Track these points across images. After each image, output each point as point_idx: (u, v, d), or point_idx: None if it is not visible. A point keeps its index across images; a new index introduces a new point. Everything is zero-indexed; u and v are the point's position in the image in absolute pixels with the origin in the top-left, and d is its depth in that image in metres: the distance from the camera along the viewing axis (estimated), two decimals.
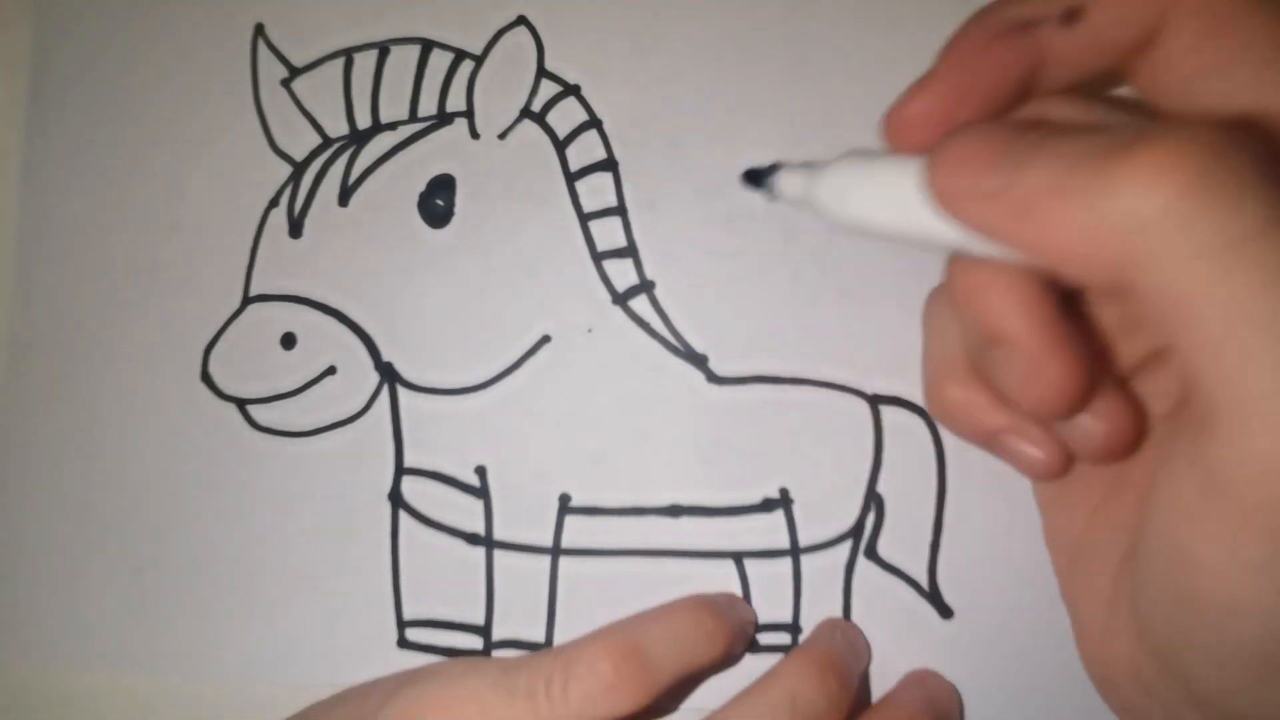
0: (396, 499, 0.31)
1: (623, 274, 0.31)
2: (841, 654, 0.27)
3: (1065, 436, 0.20)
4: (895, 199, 0.19)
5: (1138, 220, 0.14)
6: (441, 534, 0.31)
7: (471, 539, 0.30)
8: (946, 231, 0.18)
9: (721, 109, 0.31)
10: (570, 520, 0.30)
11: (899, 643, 0.29)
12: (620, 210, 0.31)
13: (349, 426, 0.31)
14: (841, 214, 0.20)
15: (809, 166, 0.22)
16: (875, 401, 0.30)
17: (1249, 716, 0.17)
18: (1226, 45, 0.15)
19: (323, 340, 0.31)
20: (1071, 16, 0.16)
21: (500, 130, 0.32)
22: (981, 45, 0.17)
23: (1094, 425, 0.19)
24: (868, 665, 0.29)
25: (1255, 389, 0.13)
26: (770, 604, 0.30)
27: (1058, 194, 0.15)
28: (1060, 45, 0.16)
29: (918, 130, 0.19)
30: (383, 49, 0.32)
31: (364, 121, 0.32)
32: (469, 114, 0.32)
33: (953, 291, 0.19)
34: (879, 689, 0.29)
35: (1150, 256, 0.14)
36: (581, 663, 0.24)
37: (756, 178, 0.24)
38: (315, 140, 0.32)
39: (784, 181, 0.23)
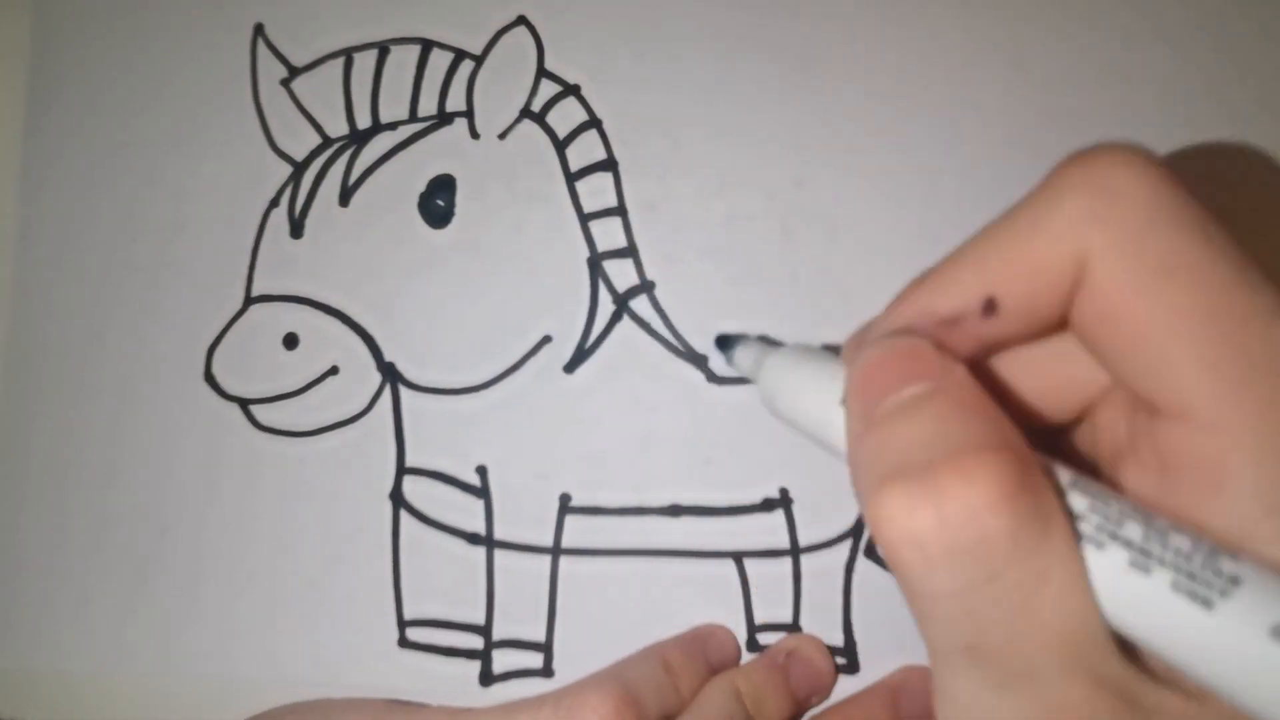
0: (398, 499, 0.31)
1: (623, 274, 0.31)
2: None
3: None
4: (814, 412, 0.20)
5: (1084, 249, 0.16)
6: (442, 534, 0.31)
7: (472, 539, 0.31)
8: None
9: (721, 109, 0.31)
10: (570, 520, 0.30)
11: (898, 642, 0.29)
12: (620, 210, 0.31)
13: (351, 426, 0.31)
14: (772, 407, 0.22)
15: (765, 347, 0.24)
16: None
17: None
18: (1137, 289, 0.16)
19: (325, 341, 0.32)
20: (990, 309, 0.17)
21: (500, 130, 0.32)
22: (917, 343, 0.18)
23: None
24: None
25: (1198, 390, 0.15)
26: (770, 603, 0.30)
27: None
28: (989, 330, 0.18)
29: None
30: (382, 49, 0.32)
31: (364, 121, 0.32)
32: (469, 114, 0.32)
33: None
34: None
35: (1095, 283, 0.16)
36: (587, 709, 0.25)
37: (724, 343, 0.27)
38: (315, 140, 0.32)
39: (739, 355, 0.25)
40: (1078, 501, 0.16)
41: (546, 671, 0.30)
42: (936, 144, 0.30)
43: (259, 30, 0.33)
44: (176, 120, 0.33)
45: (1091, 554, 0.15)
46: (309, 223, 0.32)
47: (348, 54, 0.32)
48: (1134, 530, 0.15)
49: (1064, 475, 0.16)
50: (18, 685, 0.32)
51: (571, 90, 0.32)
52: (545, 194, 0.31)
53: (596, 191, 0.31)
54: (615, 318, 0.31)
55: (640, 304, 0.31)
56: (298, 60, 0.33)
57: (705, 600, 0.30)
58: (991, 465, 0.15)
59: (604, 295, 0.31)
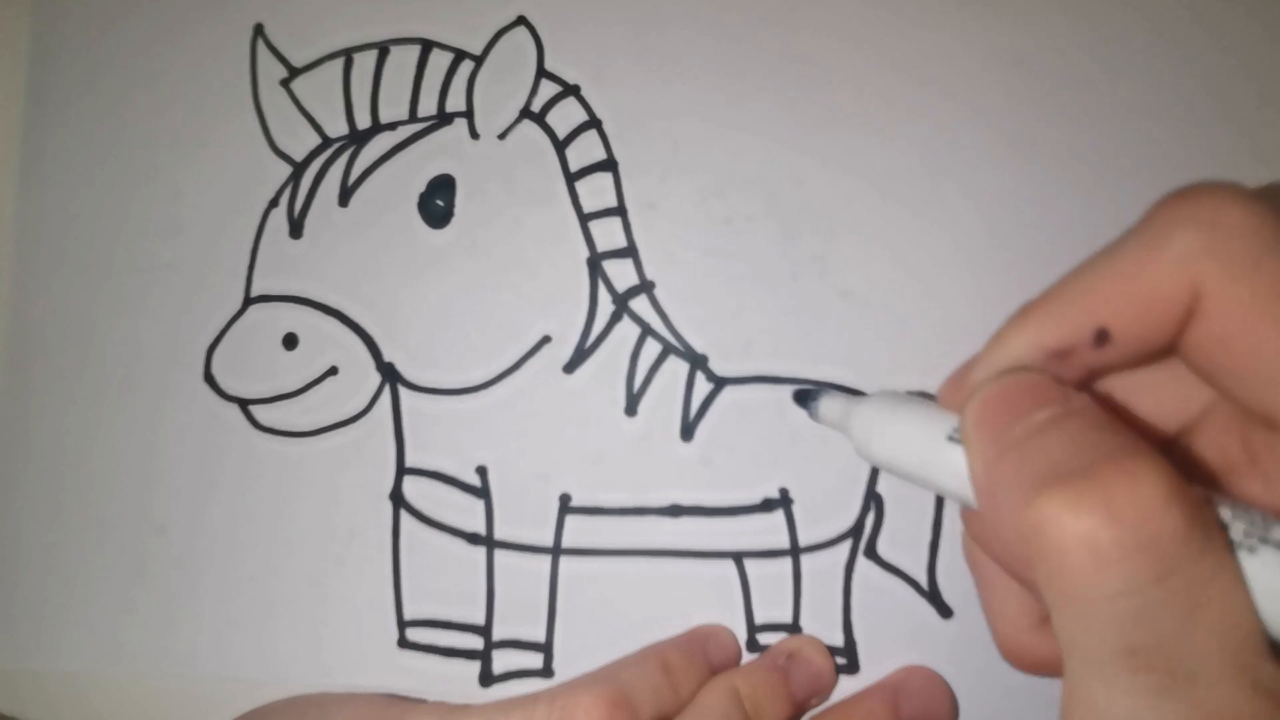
0: (398, 499, 0.31)
1: (623, 274, 0.31)
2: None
3: None
4: (917, 451, 0.20)
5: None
6: (442, 534, 0.31)
7: (472, 539, 0.31)
8: (960, 486, 0.19)
9: (721, 110, 0.31)
10: (570, 520, 0.30)
11: (898, 642, 0.29)
12: (620, 210, 0.31)
13: (351, 426, 0.31)
14: (868, 452, 0.22)
15: (848, 397, 0.24)
16: None
17: None
18: (1254, 318, 0.17)
19: (324, 341, 0.32)
20: (1101, 339, 0.18)
21: (500, 130, 0.32)
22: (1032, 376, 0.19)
23: None
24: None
25: None
26: (770, 604, 0.30)
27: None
28: (1099, 359, 0.18)
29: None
30: (382, 49, 0.32)
31: (364, 122, 0.32)
32: (469, 114, 0.32)
33: (973, 547, 0.22)
34: None
35: (1210, 312, 0.17)
36: (580, 709, 0.25)
37: (802, 398, 0.27)
38: (315, 140, 0.32)
39: (824, 408, 0.25)
40: (1221, 511, 0.16)
41: (546, 672, 0.30)
42: (936, 144, 0.30)
43: (259, 30, 0.33)
44: (176, 120, 0.33)
45: (1245, 558, 0.16)
46: (308, 223, 0.32)
47: (348, 54, 0.32)
48: None
49: (1195, 488, 0.17)
50: (16, 684, 0.32)
51: (571, 90, 0.32)
52: (545, 194, 0.31)
53: (596, 191, 0.31)
54: (615, 318, 0.31)
55: (640, 304, 0.31)
56: (297, 60, 0.33)
57: (705, 600, 0.30)
58: (1155, 466, 0.15)
59: (603, 295, 0.31)
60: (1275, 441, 0.17)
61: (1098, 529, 0.15)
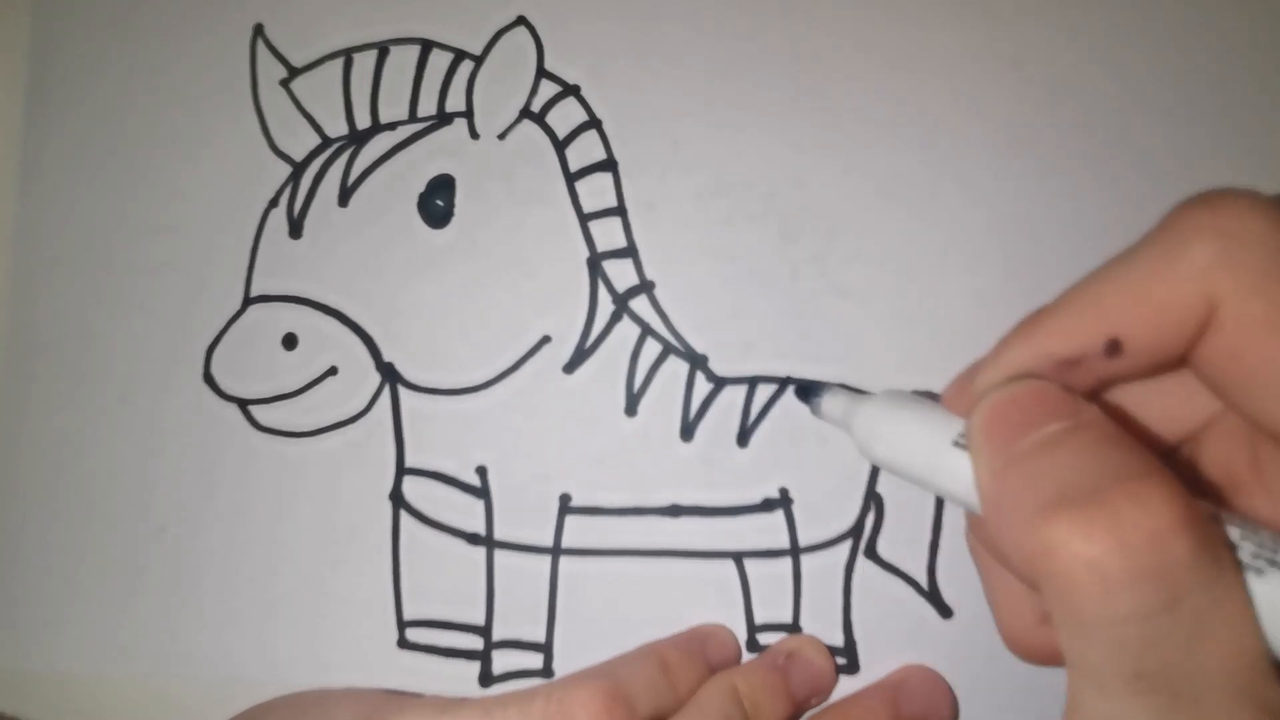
0: (398, 499, 0.31)
1: (623, 274, 0.31)
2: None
3: None
4: (920, 455, 0.20)
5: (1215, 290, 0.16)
6: (442, 534, 0.31)
7: (472, 539, 0.31)
8: (964, 492, 0.19)
9: (721, 110, 0.31)
10: (570, 520, 0.30)
11: (898, 642, 0.29)
12: (620, 210, 0.31)
13: (350, 426, 0.31)
14: (870, 452, 0.22)
15: (852, 395, 0.23)
16: None
17: None
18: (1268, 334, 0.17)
19: (323, 341, 0.32)
20: (1113, 350, 0.18)
21: (500, 130, 0.32)
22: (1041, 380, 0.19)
23: None
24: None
25: None
26: (770, 603, 0.30)
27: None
28: (1110, 369, 0.18)
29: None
30: (382, 49, 0.32)
31: (363, 122, 0.32)
32: (469, 114, 0.32)
33: (980, 549, 0.21)
34: None
35: (1225, 324, 0.16)
36: (576, 704, 0.25)
37: (805, 392, 0.26)
38: (315, 140, 0.32)
39: (827, 404, 0.24)
40: (1230, 530, 0.16)
41: (546, 672, 0.30)
42: (936, 144, 0.30)
43: (259, 30, 0.33)
44: (176, 120, 0.33)
45: (1253, 581, 0.15)
46: (308, 223, 0.32)
47: (347, 54, 0.32)
48: None
49: (1204, 505, 0.16)
50: (16, 685, 0.32)
51: (571, 90, 0.32)
52: (545, 194, 0.31)
53: (596, 191, 0.31)
54: (615, 318, 0.31)
55: (640, 304, 0.31)
56: (297, 60, 0.33)
57: (705, 600, 0.30)
58: (1165, 490, 0.15)
59: (603, 295, 0.31)
60: None
61: (1106, 556, 0.15)
